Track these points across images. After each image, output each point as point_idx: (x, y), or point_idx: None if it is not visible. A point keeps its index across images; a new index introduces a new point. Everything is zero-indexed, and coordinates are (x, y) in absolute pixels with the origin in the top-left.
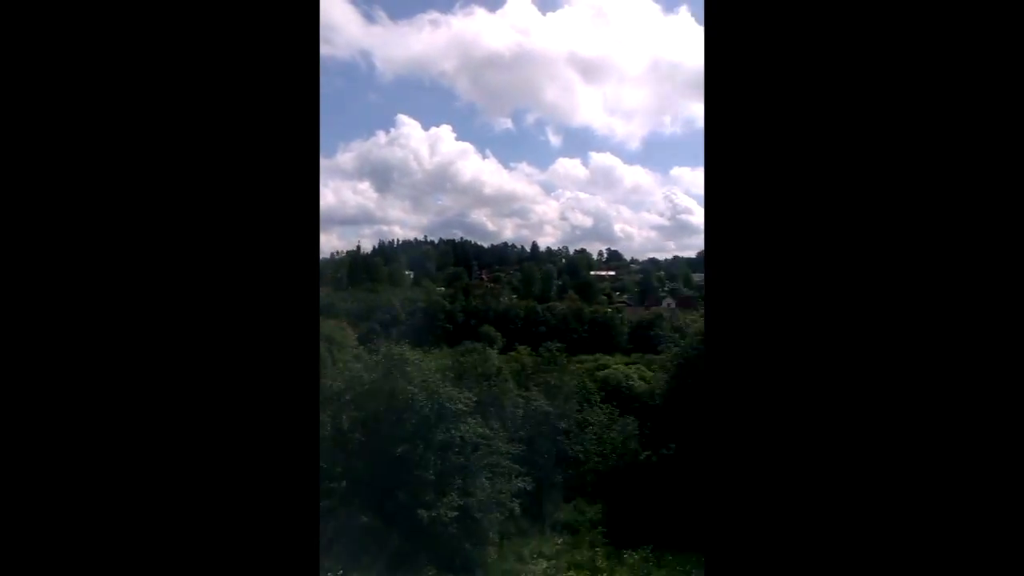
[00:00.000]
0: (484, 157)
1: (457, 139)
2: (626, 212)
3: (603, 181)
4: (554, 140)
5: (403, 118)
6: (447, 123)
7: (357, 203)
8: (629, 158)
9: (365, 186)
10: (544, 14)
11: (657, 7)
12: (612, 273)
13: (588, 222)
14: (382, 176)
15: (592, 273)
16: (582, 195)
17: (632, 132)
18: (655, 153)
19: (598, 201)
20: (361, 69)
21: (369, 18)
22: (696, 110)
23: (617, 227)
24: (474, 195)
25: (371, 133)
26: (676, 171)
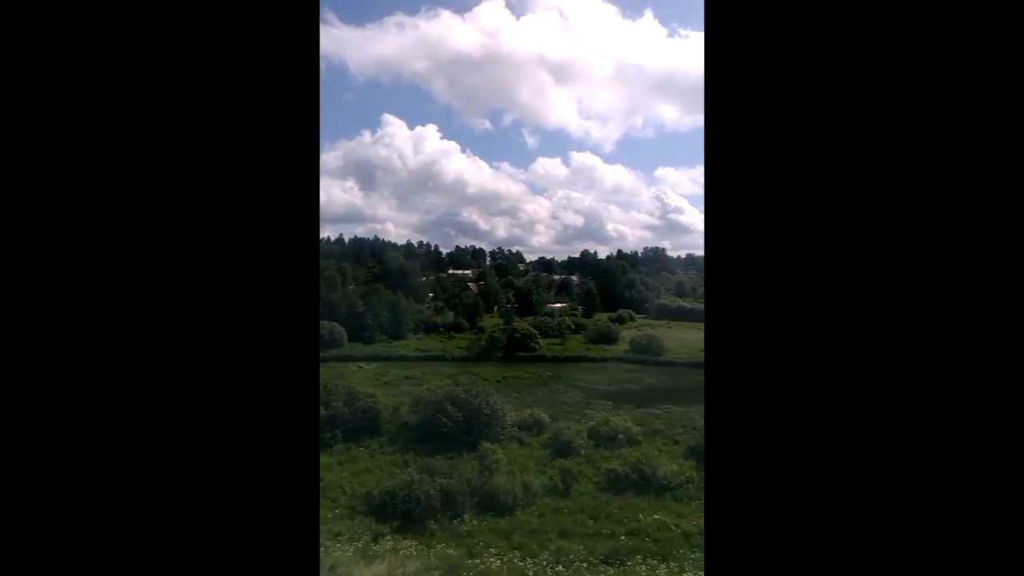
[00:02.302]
0: (469, 157)
1: (441, 138)
2: (616, 212)
3: (584, 181)
4: (531, 141)
5: (389, 117)
6: (426, 124)
7: (346, 201)
8: (606, 159)
9: (351, 184)
10: (511, 17)
11: (612, 9)
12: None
13: (579, 221)
14: (366, 174)
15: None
16: (574, 194)
17: (607, 135)
18: (630, 155)
19: (589, 200)
20: (321, 72)
21: (323, 21)
22: (664, 111)
23: (609, 226)
24: (459, 194)
25: (356, 132)
26: (660, 171)
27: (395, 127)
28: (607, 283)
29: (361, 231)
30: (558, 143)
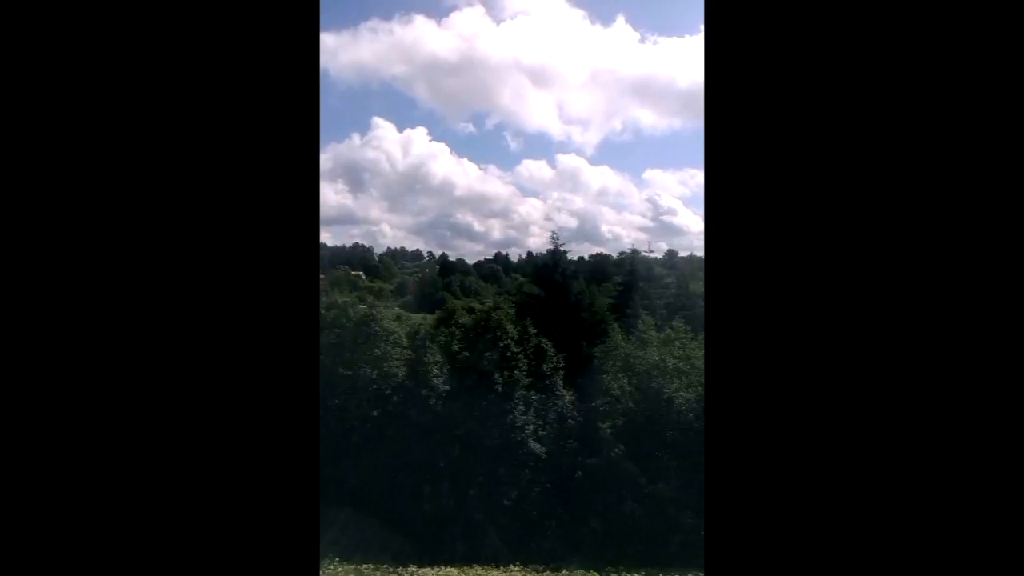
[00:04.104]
0: (457, 159)
1: (430, 141)
2: (610, 214)
3: (570, 183)
4: (514, 145)
5: (378, 120)
6: (415, 127)
7: (338, 203)
8: (590, 162)
9: (342, 187)
10: (485, 22)
11: (579, 14)
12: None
13: (573, 223)
14: (355, 176)
15: None
16: (568, 196)
17: (588, 139)
18: (612, 158)
19: (583, 202)
20: None
21: None
22: (640, 115)
23: (604, 228)
24: (448, 196)
25: (345, 135)
26: (648, 174)
27: (384, 130)
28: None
29: (356, 233)
30: (540, 146)
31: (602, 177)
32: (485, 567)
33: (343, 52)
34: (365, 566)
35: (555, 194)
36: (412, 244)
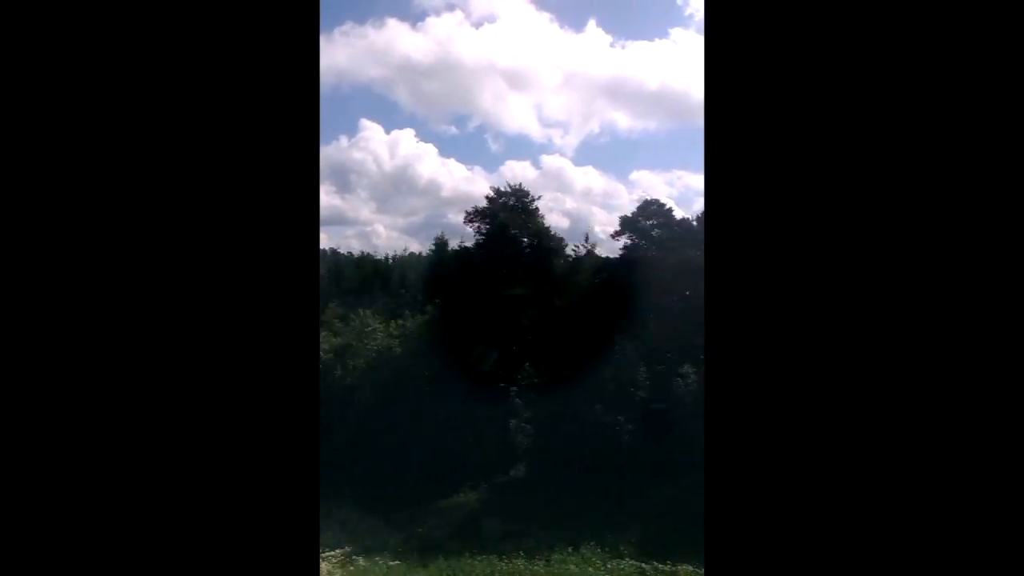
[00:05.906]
0: (443, 161)
1: (418, 142)
2: (601, 214)
3: (555, 184)
4: (495, 147)
5: (365, 122)
6: (403, 128)
7: (328, 204)
8: (573, 163)
9: (330, 187)
10: (460, 26)
11: (545, 17)
12: None
13: (565, 223)
14: (342, 178)
15: None
16: (559, 195)
17: (568, 141)
18: (594, 159)
19: (574, 203)
20: None
21: None
22: (615, 117)
23: (597, 228)
24: (434, 196)
25: (333, 137)
26: (635, 175)
27: (372, 131)
28: None
29: (351, 234)
30: (521, 148)
31: (586, 178)
32: None
33: (321, 56)
34: None
35: (547, 194)
36: (407, 244)
